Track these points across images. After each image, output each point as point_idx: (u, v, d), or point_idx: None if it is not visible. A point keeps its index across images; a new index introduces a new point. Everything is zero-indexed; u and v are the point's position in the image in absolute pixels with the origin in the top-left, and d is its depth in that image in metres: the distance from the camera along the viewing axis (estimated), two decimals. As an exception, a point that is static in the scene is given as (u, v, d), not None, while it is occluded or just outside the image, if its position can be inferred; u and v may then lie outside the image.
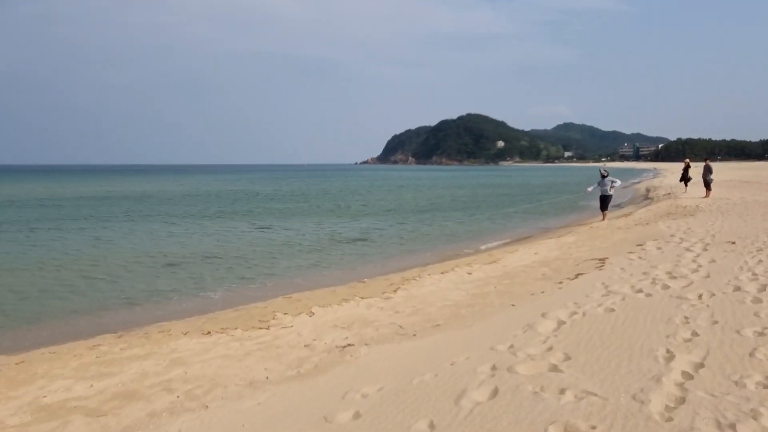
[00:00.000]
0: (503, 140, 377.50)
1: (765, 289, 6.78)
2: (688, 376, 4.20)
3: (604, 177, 19.06)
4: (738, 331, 5.17)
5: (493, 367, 4.75)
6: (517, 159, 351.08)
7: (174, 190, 52.60)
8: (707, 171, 23.89)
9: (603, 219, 18.52)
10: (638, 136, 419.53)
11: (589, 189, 20.76)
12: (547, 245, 13.56)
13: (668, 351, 4.75)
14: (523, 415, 3.77)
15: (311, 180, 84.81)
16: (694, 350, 4.74)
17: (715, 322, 5.51)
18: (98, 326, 8.18)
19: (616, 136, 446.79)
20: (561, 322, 6.01)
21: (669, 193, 27.99)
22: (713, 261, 8.97)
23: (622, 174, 55.77)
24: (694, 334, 5.18)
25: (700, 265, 8.64)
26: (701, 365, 4.39)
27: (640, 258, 9.91)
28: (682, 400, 3.77)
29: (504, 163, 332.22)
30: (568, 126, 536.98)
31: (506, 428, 3.62)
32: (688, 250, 10.29)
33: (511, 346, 5.32)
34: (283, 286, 10.81)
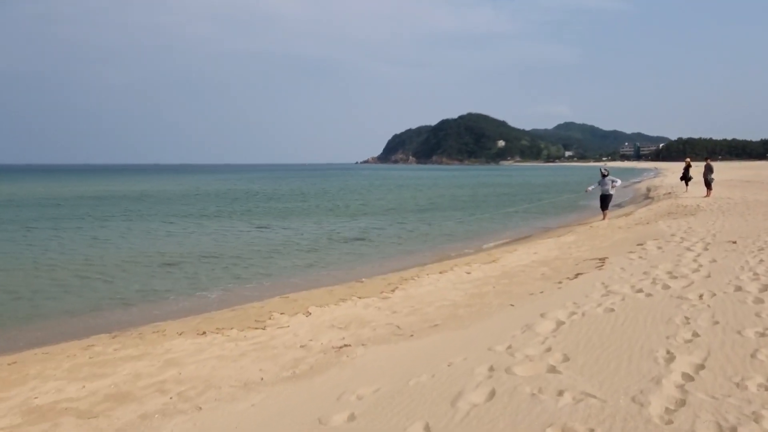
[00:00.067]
0: (504, 140, 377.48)
1: (766, 289, 6.70)
2: (688, 377, 4.13)
3: (604, 176, 19.00)
4: (739, 332, 5.10)
5: (491, 368, 4.67)
6: (518, 158, 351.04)
7: (173, 190, 52.56)
8: (708, 170, 23.83)
9: (603, 218, 18.45)
10: (639, 136, 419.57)
11: (590, 188, 20.70)
12: (546, 245, 13.49)
13: (668, 352, 4.68)
14: (521, 417, 3.70)
15: (311, 179, 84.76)
16: (694, 351, 4.66)
17: (716, 323, 5.43)
18: (93, 326, 8.12)
19: (616, 136, 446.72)
20: (560, 323, 5.94)
21: (670, 193, 27.92)
22: (714, 261, 8.89)
23: (623, 173, 55.74)
24: (695, 334, 5.11)
25: (700, 265, 8.57)
26: (702, 367, 4.31)
27: (640, 258, 9.84)
28: (682, 403, 3.70)
29: (505, 163, 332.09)
30: (568, 125, 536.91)
31: (503, 431, 3.55)
32: (688, 249, 10.21)
33: (509, 347, 5.25)
34: (280, 285, 10.74)
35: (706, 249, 10.12)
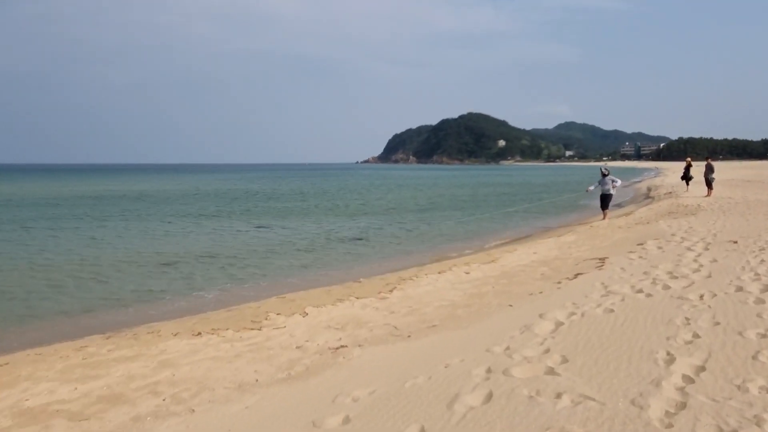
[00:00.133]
0: (504, 139, 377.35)
1: (768, 290, 6.63)
2: (688, 379, 4.06)
3: (605, 176, 18.93)
4: (740, 333, 5.02)
5: (488, 370, 4.61)
6: (518, 158, 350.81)
7: (172, 190, 52.51)
8: (709, 170, 23.77)
9: (603, 218, 18.39)
10: (640, 135, 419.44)
11: (590, 188, 20.63)
12: (546, 244, 13.42)
13: (668, 353, 4.61)
14: (518, 420, 3.63)
15: (311, 179, 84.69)
16: (695, 353, 4.59)
17: (717, 324, 5.36)
18: (87, 327, 8.04)
19: (617, 136, 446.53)
20: (559, 323, 5.87)
21: (670, 192, 27.86)
22: (715, 261, 8.82)
23: (624, 173, 55.70)
24: (696, 335, 5.04)
25: (701, 265, 8.49)
26: (702, 368, 4.24)
27: (640, 257, 9.77)
28: (682, 406, 3.63)
29: (505, 163, 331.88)
30: (569, 125, 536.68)
31: (499, 435, 3.48)
32: (689, 249, 10.14)
33: (508, 348, 5.18)
34: (277, 285, 10.67)
35: (706, 249, 10.05)
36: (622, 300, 6.68)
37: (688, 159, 29.56)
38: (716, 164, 25.99)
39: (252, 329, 7.14)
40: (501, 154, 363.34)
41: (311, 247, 15.99)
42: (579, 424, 3.47)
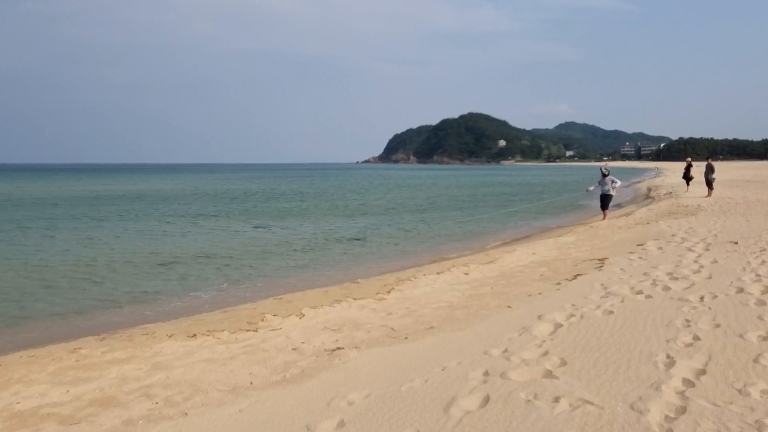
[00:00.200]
0: (505, 139, 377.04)
1: (769, 291, 6.57)
2: (689, 383, 3.99)
3: (605, 176, 18.86)
4: (741, 336, 4.96)
5: (486, 373, 4.55)
6: (519, 158, 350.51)
7: (171, 189, 52.46)
8: (709, 170, 23.73)
9: (603, 218, 18.32)
10: (640, 136, 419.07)
11: (590, 188, 20.57)
12: (545, 245, 13.35)
13: (668, 356, 4.54)
14: (515, 425, 3.57)
15: (311, 179, 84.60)
16: (695, 356, 4.52)
17: (718, 326, 5.30)
18: (81, 328, 7.95)
19: (617, 136, 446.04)
20: (558, 325, 5.81)
21: (670, 192, 27.81)
22: (715, 261, 8.75)
23: (624, 173, 55.67)
24: (696, 338, 4.98)
25: (701, 266, 8.43)
26: (703, 372, 4.18)
27: (640, 258, 9.70)
28: (682, 410, 3.57)
29: (505, 163, 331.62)
30: (569, 125, 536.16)
31: (496, 440, 3.41)
32: (689, 250, 10.08)
33: (506, 350, 5.12)
34: (274, 286, 10.59)
35: (707, 249, 9.98)
36: (622, 301, 6.62)
37: (689, 159, 29.52)
38: (716, 164, 25.96)
39: (248, 331, 7.07)
40: (501, 154, 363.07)
41: (309, 247, 15.92)
42: (577, 429, 3.41)
